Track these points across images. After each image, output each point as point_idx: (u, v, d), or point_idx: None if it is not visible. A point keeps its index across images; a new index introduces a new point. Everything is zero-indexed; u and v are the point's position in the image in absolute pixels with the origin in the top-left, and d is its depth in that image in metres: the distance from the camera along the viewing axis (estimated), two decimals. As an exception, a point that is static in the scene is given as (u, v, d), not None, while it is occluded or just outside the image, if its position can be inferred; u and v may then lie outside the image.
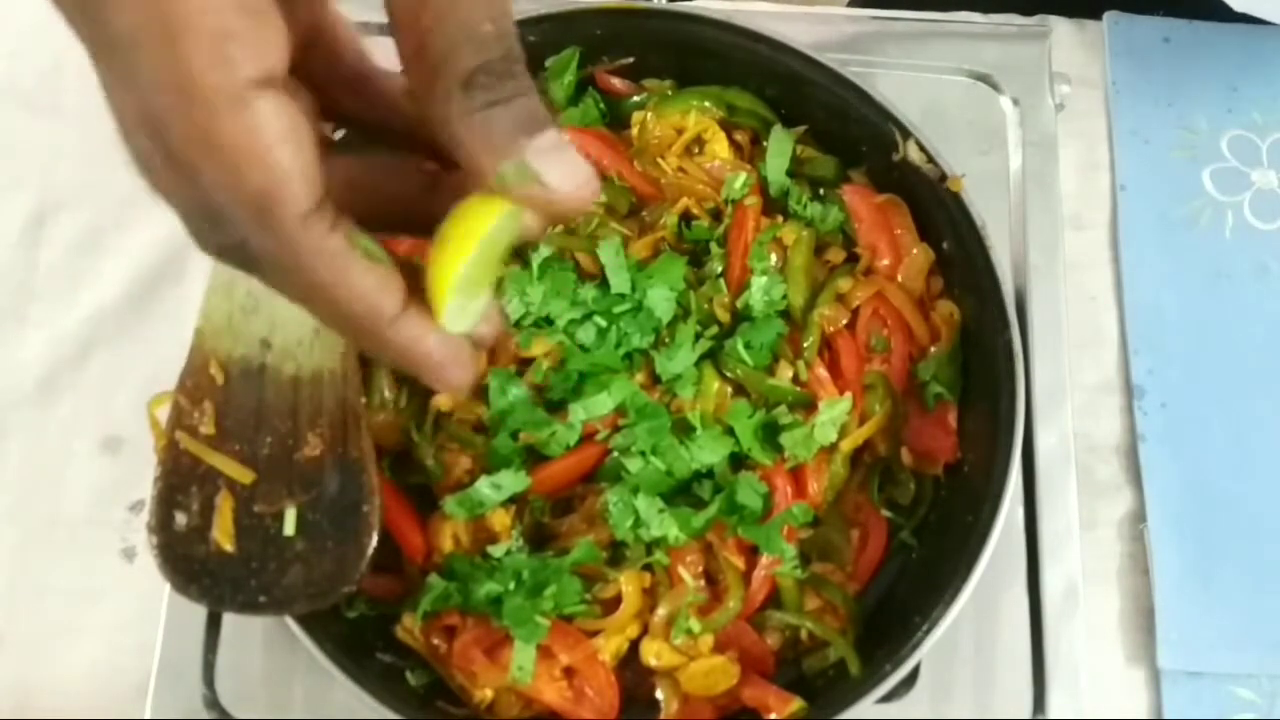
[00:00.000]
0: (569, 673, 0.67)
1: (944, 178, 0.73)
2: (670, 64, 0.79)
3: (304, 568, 0.61)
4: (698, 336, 0.72)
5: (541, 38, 0.76)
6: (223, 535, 0.61)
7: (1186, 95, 0.88)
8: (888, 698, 0.66)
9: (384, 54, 0.74)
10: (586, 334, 0.72)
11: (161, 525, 0.61)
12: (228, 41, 0.35)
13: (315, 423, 0.63)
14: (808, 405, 0.72)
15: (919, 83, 0.83)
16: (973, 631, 0.71)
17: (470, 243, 0.38)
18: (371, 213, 0.41)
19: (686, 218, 0.77)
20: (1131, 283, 0.82)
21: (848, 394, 0.72)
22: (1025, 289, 0.78)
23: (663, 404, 0.71)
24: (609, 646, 0.67)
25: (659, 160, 0.78)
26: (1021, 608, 0.72)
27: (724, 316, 0.74)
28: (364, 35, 0.85)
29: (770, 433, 0.71)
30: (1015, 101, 0.83)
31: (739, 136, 0.79)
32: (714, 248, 0.75)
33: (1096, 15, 0.90)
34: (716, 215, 0.77)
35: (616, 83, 0.80)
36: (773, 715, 0.66)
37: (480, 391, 0.71)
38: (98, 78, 0.38)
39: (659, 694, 0.68)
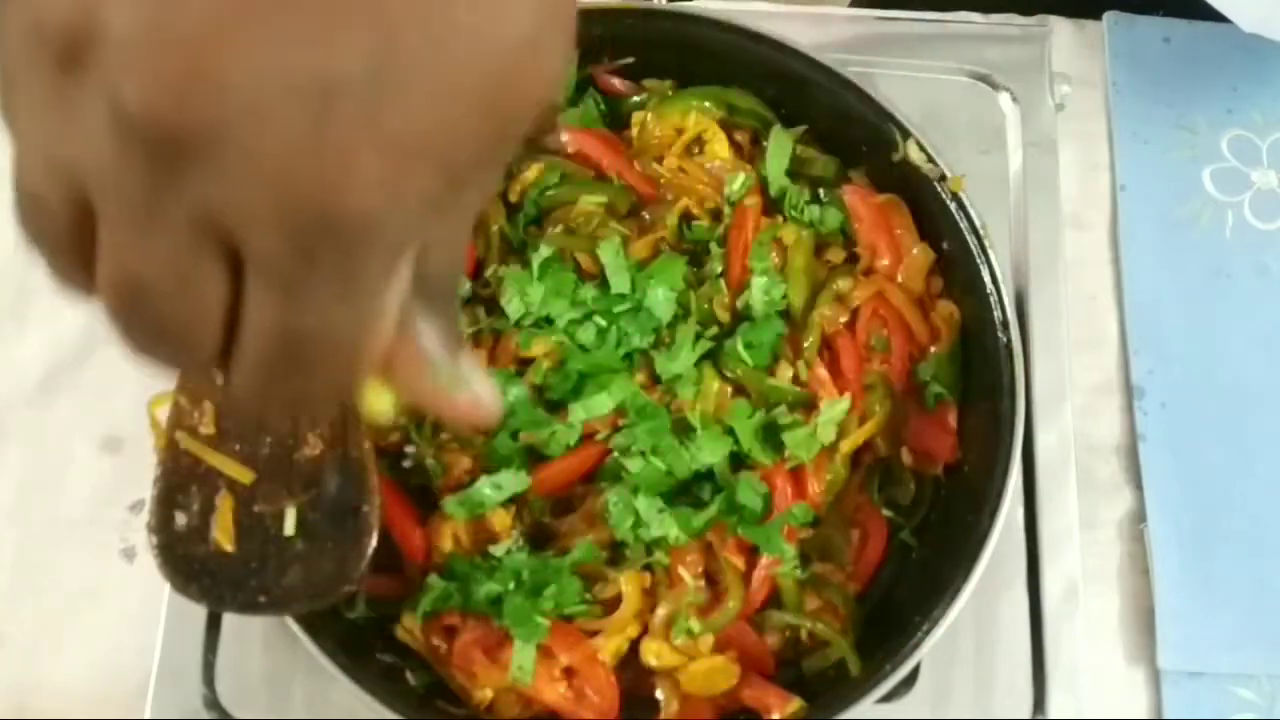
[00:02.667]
0: (569, 673, 0.67)
1: (944, 178, 0.73)
2: (670, 64, 0.79)
3: (304, 568, 0.61)
4: (698, 336, 0.72)
5: (541, 38, 0.76)
6: (223, 535, 0.61)
7: (1186, 95, 0.88)
8: (888, 698, 0.66)
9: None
10: (586, 334, 0.72)
11: (161, 525, 0.61)
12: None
13: (315, 422, 0.63)
14: (808, 405, 0.72)
15: (919, 83, 0.83)
16: (973, 631, 0.71)
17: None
18: None
19: (686, 218, 0.77)
20: (1131, 283, 0.82)
21: (847, 394, 0.72)
22: (1025, 289, 0.78)
23: (663, 404, 0.71)
24: (609, 646, 0.67)
25: (659, 160, 0.78)
26: (1021, 608, 0.72)
27: (724, 316, 0.74)
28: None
29: (770, 433, 0.71)
30: (1015, 101, 0.83)
31: (739, 136, 0.79)
32: (714, 248, 0.75)
33: (1096, 15, 0.90)
34: (716, 215, 0.77)
35: (616, 83, 0.80)
36: (773, 715, 0.66)
37: (480, 391, 0.71)
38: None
39: (659, 694, 0.68)
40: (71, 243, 0.32)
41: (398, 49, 0.30)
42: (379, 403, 0.40)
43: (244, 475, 0.62)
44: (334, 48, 0.29)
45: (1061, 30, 0.88)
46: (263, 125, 0.29)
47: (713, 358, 0.72)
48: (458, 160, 0.32)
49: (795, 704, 0.66)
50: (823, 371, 0.73)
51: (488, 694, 0.67)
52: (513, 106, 0.33)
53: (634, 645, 0.68)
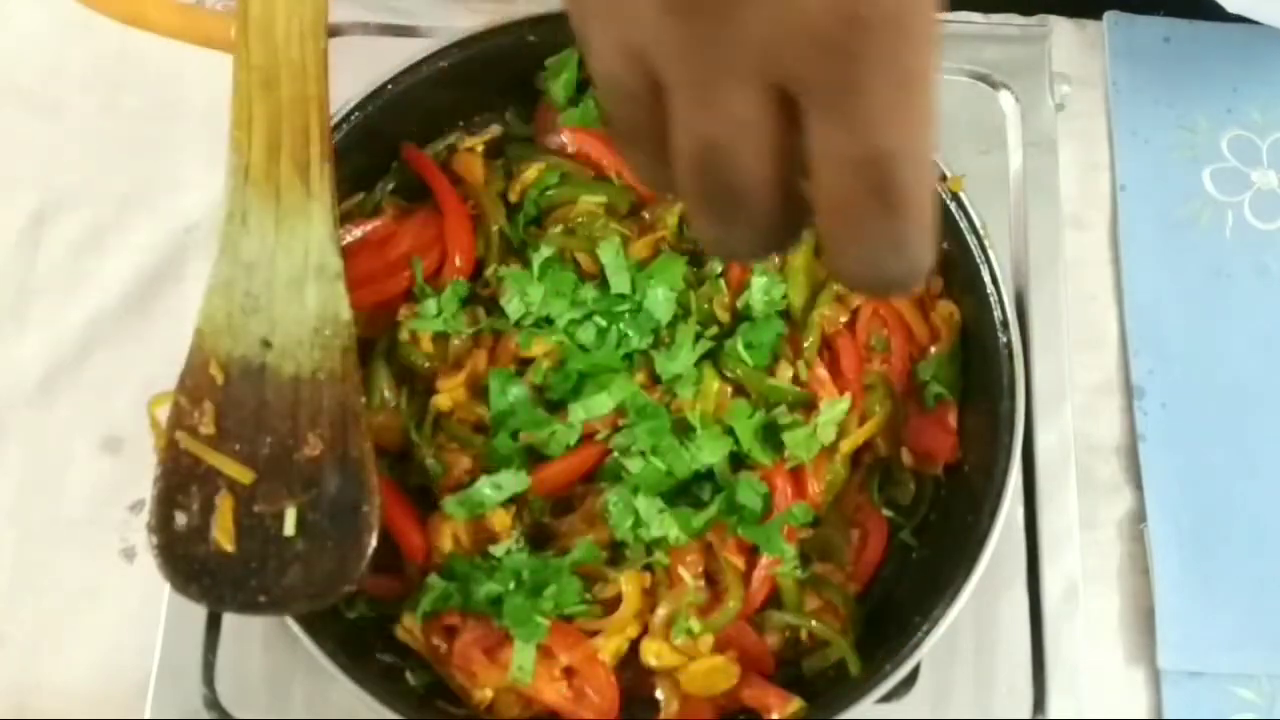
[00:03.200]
0: (569, 673, 0.67)
1: (944, 178, 0.73)
2: (670, 64, 0.79)
3: (304, 568, 0.61)
4: (698, 336, 0.72)
5: (541, 38, 0.76)
6: (223, 535, 0.61)
7: (1186, 95, 0.88)
8: (888, 698, 0.66)
9: (388, 54, 0.74)
10: (586, 334, 0.72)
11: (161, 525, 0.61)
12: None
13: (315, 423, 0.63)
14: (808, 405, 0.72)
15: (919, 83, 0.83)
16: (973, 631, 0.71)
17: None
18: None
19: (686, 217, 0.77)
20: (1131, 283, 0.82)
21: (847, 394, 0.72)
22: (1025, 289, 0.78)
23: (663, 404, 0.71)
24: (609, 646, 0.67)
25: (659, 160, 0.78)
26: (1021, 608, 0.72)
27: (724, 316, 0.74)
28: (364, 35, 0.85)
29: (770, 433, 0.71)
30: (1015, 101, 0.83)
31: (739, 136, 0.79)
32: (714, 248, 0.75)
33: (1096, 15, 0.90)
34: (716, 215, 0.76)
35: (617, 83, 0.80)
36: (773, 715, 0.66)
37: (480, 391, 0.71)
38: None
39: (659, 694, 0.68)
40: (650, 125, 0.34)
41: None
42: None
43: (244, 475, 0.62)
44: None
45: (1061, 30, 0.88)
46: None
47: (713, 358, 0.72)
48: None
49: (795, 704, 0.66)
50: (823, 371, 0.73)
51: (488, 694, 0.67)
52: None
53: (634, 645, 0.68)
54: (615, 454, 0.70)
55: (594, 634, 0.67)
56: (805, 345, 0.73)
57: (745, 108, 0.33)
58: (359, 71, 0.73)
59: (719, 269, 0.74)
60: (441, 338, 0.73)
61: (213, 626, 0.70)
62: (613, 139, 0.37)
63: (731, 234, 0.36)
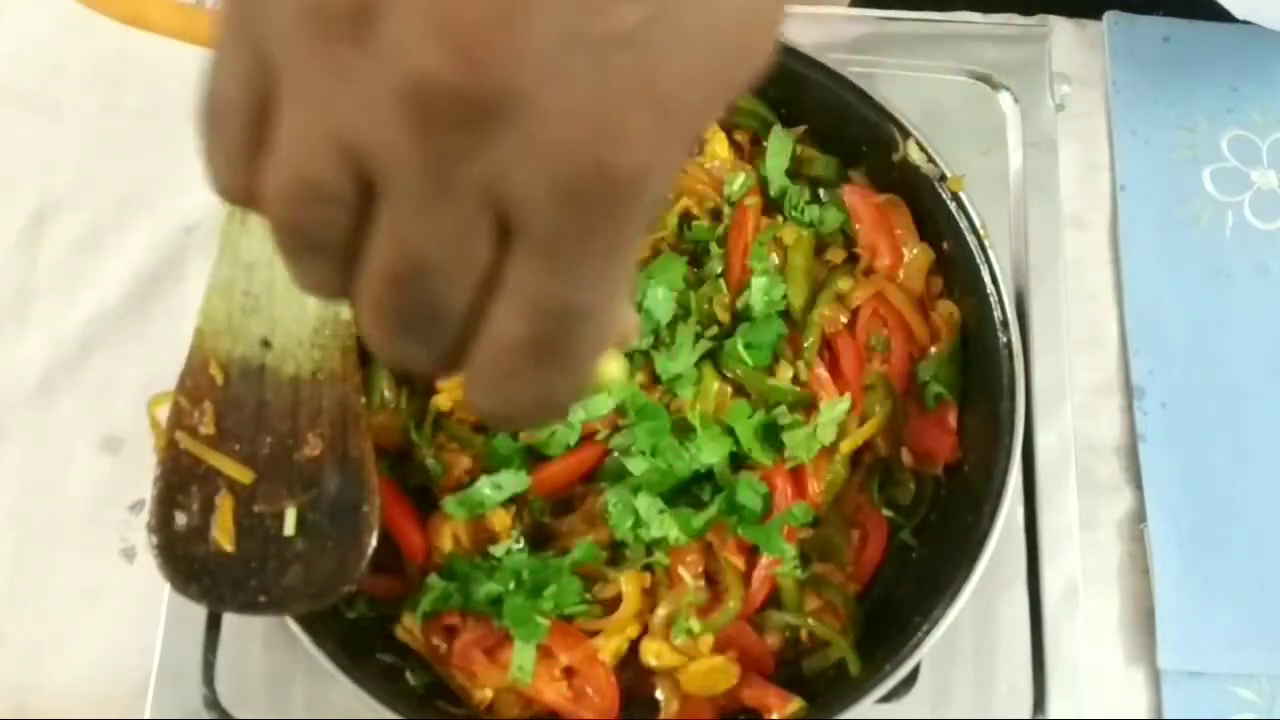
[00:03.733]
0: (569, 673, 0.67)
1: (944, 178, 0.73)
2: (670, 64, 0.79)
3: (304, 568, 0.61)
4: (698, 336, 0.72)
5: (541, 38, 0.76)
6: (223, 535, 0.61)
7: (1186, 95, 0.88)
8: (888, 698, 0.66)
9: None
10: (586, 334, 0.71)
11: (161, 525, 0.61)
12: None
13: (315, 423, 0.63)
14: (808, 405, 0.72)
15: (919, 83, 0.83)
16: (973, 631, 0.71)
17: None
18: None
19: (686, 218, 0.77)
20: (1131, 283, 0.82)
21: (847, 394, 0.72)
22: (1025, 289, 0.78)
23: (663, 404, 0.71)
24: (609, 646, 0.67)
25: (659, 160, 0.77)
26: (1021, 608, 0.72)
27: (724, 316, 0.73)
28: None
29: (770, 433, 0.71)
30: (1015, 101, 0.83)
31: (739, 136, 0.79)
32: (714, 248, 0.75)
33: (1096, 15, 0.90)
34: (716, 215, 0.77)
35: (616, 83, 0.80)
36: (773, 715, 0.66)
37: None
38: None
39: (659, 694, 0.68)
40: (346, 230, 0.31)
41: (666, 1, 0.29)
42: (613, 369, 0.38)
43: (244, 475, 0.62)
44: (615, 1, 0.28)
45: (1061, 30, 0.88)
46: (553, 85, 0.28)
47: (713, 358, 0.72)
48: (705, 113, 0.31)
49: (795, 704, 0.66)
50: (823, 372, 0.73)
51: (488, 694, 0.67)
52: (752, 56, 0.32)
53: (634, 645, 0.68)
54: (615, 454, 0.70)
55: (594, 634, 0.67)
56: (805, 345, 0.73)
57: (467, 230, 0.30)
58: (359, 71, 0.72)
59: (719, 269, 0.74)
60: (441, 337, 0.73)
61: (213, 626, 0.70)
62: (285, 243, 0.32)
63: (416, 350, 0.33)
